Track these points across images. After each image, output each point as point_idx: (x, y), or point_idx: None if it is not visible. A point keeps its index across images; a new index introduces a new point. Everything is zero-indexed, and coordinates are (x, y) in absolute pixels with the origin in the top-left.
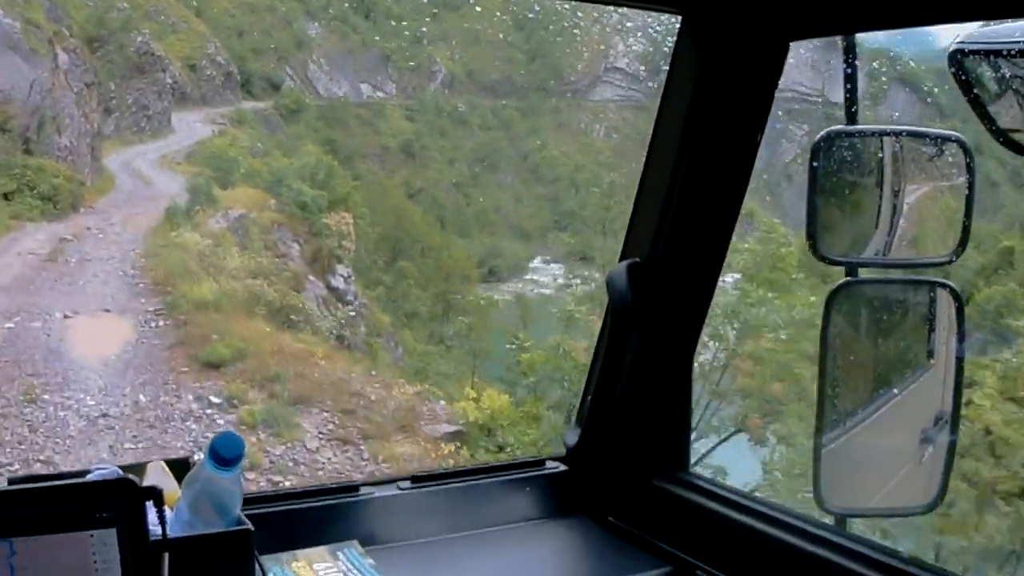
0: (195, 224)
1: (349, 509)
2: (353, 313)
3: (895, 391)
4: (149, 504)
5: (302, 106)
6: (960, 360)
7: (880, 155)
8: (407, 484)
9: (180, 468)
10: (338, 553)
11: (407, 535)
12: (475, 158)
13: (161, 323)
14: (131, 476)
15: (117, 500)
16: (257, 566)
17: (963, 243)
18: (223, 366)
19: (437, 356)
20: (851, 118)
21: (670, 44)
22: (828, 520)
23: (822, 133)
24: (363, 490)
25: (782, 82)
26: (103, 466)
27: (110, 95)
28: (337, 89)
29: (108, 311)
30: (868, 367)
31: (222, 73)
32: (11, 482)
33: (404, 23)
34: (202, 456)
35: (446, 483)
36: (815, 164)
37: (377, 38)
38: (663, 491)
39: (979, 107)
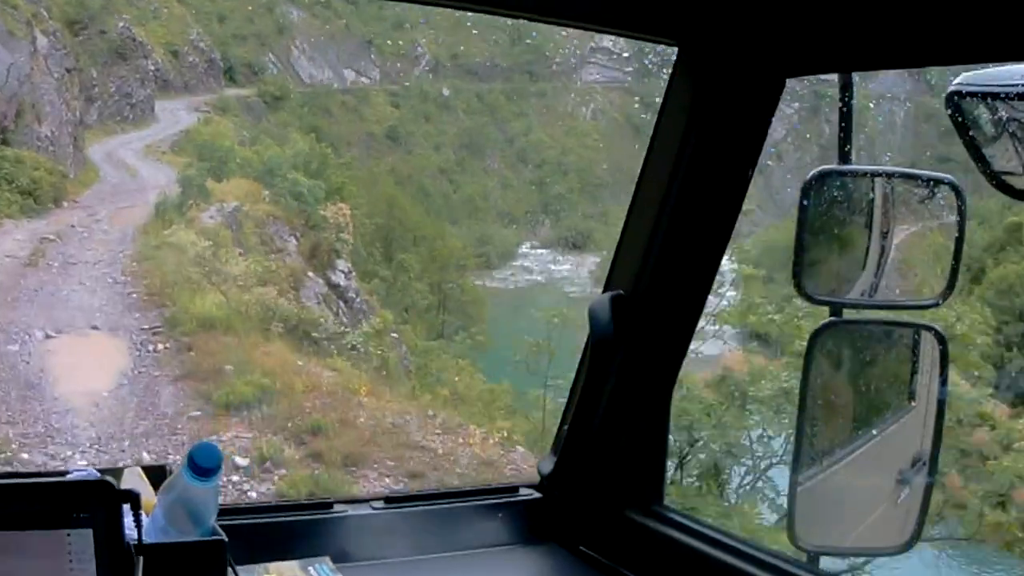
0: (188, 220)
1: (322, 526)
2: (381, 328)
3: (874, 431)
4: (126, 508)
5: (286, 93)
6: (941, 403)
7: (871, 196)
8: (380, 504)
9: (157, 475)
10: (310, 568)
11: (379, 554)
12: (461, 143)
13: (161, 346)
14: (109, 479)
15: (95, 501)
16: None
17: (951, 286)
18: (245, 410)
19: (480, 376)
20: (844, 158)
21: None
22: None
23: (813, 172)
24: (336, 507)
25: None
26: (81, 468)
27: (91, 82)
28: (320, 75)
29: (96, 328)
30: (849, 407)
31: (205, 60)
32: None
33: (386, 8)
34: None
35: (419, 505)
36: (805, 203)
37: (360, 23)
38: (636, 523)
39: (974, 149)
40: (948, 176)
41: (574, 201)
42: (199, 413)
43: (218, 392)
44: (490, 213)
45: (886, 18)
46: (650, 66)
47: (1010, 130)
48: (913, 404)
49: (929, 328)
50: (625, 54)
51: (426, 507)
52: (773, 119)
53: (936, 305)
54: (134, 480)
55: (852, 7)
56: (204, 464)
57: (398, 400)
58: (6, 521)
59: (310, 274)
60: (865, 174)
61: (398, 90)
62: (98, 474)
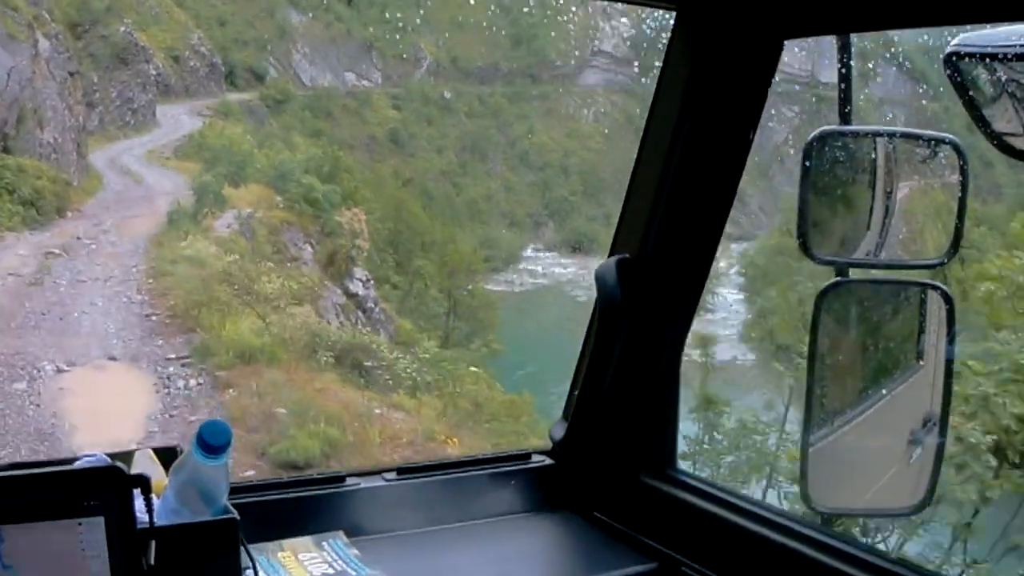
0: (203, 229)
1: (335, 500)
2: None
3: (884, 392)
4: (137, 492)
5: (288, 96)
6: (950, 362)
7: (873, 156)
8: (393, 476)
9: (167, 456)
10: (323, 543)
11: (392, 526)
12: (463, 146)
13: (193, 382)
14: (119, 464)
15: (105, 488)
16: (245, 554)
17: (955, 245)
18: (311, 467)
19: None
20: (844, 118)
21: (654, 24)
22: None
23: (815, 132)
24: (349, 481)
25: None
26: (90, 453)
27: (93, 87)
28: (321, 78)
29: (114, 359)
30: (857, 367)
31: (206, 64)
32: None
33: (387, 11)
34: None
35: (432, 475)
36: (807, 163)
37: (361, 26)
38: (649, 487)
39: (974, 110)
40: (950, 136)
41: (577, 203)
42: (252, 473)
43: (275, 445)
44: (493, 216)
45: None
46: (650, 66)
47: (1009, 91)
48: (921, 363)
49: (935, 287)
50: (625, 56)
51: (439, 477)
52: (776, 123)
53: (942, 264)
54: (145, 463)
55: None
56: (213, 441)
57: (482, 443)
58: (16, 512)
59: (327, 283)
60: (867, 134)
61: (400, 93)
62: (107, 459)
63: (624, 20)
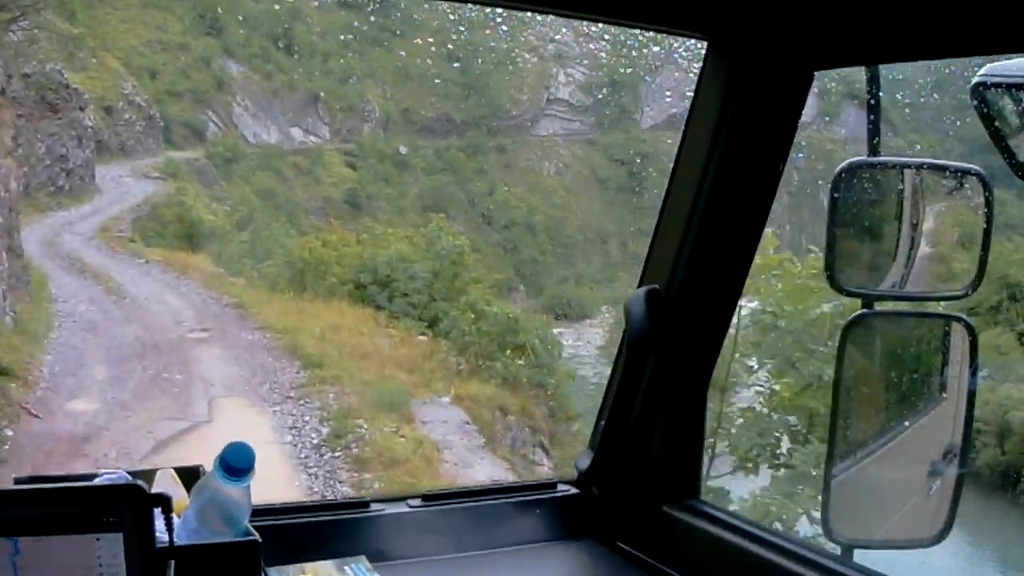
0: None
1: (358, 525)
2: None
3: (906, 423)
4: (157, 511)
5: (238, 154)
6: (972, 394)
7: (900, 187)
8: (417, 502)
9: (190, 476)
10: (345, 568)
11: (416, 553)
12: (424, 205)
13: None
14: (140, 482)
15: (125, 505)
16: None
17: (979, 277)
18: None
19: None
20: (873, 150)
21: (606, 72)
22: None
23: (843, 164)
24: (373, 506)
25: None
26: (112, 471)
27: (15, 141)
28: (265, 134)
29: None
30: (881, 399)
31: (143, 117)
32: (18, 482)
33: (330, 60)
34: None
35: (456, 502)
36: (835, 195)
37: (304, 78)
38: (673, 518)
39: (999, 140)
40: (975, 167)
41: (547, 264)
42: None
43: None
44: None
45: (912, 10)
46: (608, 113)
47: None
48: (944, 396)
49: (959, 319)
50: (582, 104)
51: (463, 504)
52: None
53: (965, 296)
54: (166, 482)
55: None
56: (236, 464)
57: None
58: (34, 526)
59: None
60: (894, 166)
61: (352, 148)
62: (128, 477)
63: (580, 67)
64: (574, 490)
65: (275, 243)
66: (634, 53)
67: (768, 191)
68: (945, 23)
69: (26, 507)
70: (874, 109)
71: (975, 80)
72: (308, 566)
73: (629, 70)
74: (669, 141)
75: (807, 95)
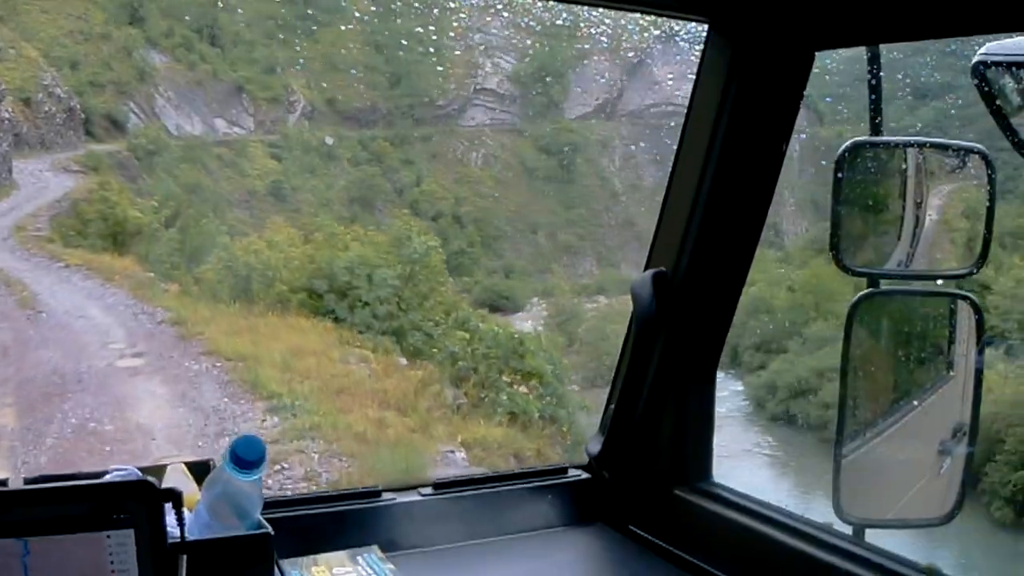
0: None
1: (370, 515)
2: None
3: (915, 402)
4: (168, 506)
5: (161, 146)
6: (979, 372)
7: (904, 166)
8: (428, 490)
9: (200, 470)
10: (358, 558)
11: (428, 541)
12: (350, 197)
13: None
14: (150, 478)
15: (135, 501)
16: (277, 570)
17: (984, 255)
18: None
19: None
20: (875, 129)
21: (534, 62)
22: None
23: (847, 144)
24: (384, 496)
25: None
26: (122, 467)
27: None
28: (189, 125)
29: None
30: (889, 378)
31: (63, 109)
32: (27, 482)
33: (255, 51)
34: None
35: (467, 490)
36: (839, 175)
37: (228, 67)
38: (684, 501)
39: (1001, 119)
40: (978, 145)
41: (476, 256)
42: None
43: None
44: None
45: None
46: (536, 103)
47: None
48: (952, 374)
49: (965, 297)
50: (509, 93)
51: (474, 492)
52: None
53: (971, 274)
54: (177, 476)
55: None
56: (247, 457)
57: None
58: (44, 526)
59: None
60: (896, 145)
61: (277, 140)
62: (138, 473)
63: (506, 57)
64: (585, 475)
65: (208, 240)
66: (563, 44)
67: (772, 171)
68: (946, 2)
69: (35, 507)
70: (875, 88)
71: (976, 59)
72: (321, 557)
73: (558, 60)
74: (597, 130)
75: (809, 75)
